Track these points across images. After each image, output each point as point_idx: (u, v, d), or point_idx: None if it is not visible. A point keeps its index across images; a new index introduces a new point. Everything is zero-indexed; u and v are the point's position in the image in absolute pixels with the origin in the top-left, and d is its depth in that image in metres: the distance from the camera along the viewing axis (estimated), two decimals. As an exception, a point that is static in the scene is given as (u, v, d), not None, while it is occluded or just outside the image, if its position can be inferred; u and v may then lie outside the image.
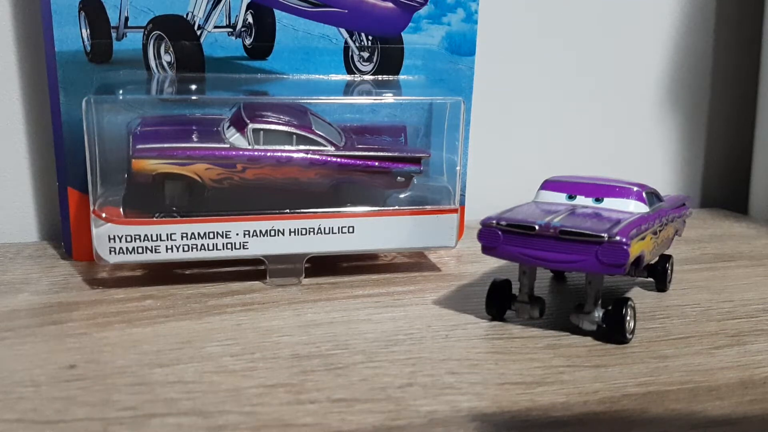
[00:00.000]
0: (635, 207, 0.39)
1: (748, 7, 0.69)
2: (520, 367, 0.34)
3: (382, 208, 0.45)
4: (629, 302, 0.36)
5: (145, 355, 0.34)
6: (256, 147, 0.44)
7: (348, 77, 0.49)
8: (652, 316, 0.40)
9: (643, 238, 0.36)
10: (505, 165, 0.63)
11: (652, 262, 0.44)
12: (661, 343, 0.36)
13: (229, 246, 0.42)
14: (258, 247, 0.43)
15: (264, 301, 0.41)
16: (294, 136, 0.44)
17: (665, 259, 0.45)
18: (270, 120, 0.44)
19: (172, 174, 0.43)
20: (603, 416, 0.30)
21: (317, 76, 0.49)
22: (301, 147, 0.44)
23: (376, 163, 0.46)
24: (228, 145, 0.43)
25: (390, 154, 0.46)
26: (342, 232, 0.44)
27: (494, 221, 0.37)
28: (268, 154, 0.44)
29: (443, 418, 0.29)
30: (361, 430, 0.28)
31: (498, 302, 0.39)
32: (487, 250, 0.37)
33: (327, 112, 0.47)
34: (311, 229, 0.44)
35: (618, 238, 0.35)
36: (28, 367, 0.32)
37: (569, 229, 0.35)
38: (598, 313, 0.37)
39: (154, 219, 0.42)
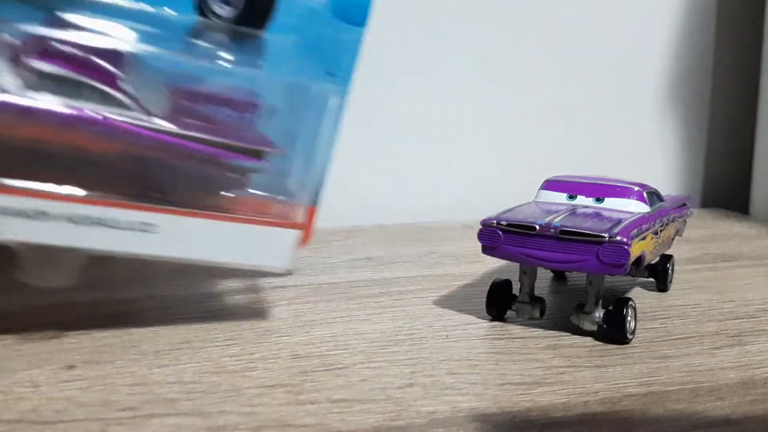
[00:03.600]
0: (636, 207, 0.39)
1: (748, 7, 0.69)
2: (520, 367, 0.33)
3: (197, 210, 0.34)
4: (630, 302, 0.36)
5: (145, 355, 0.34)
6: (29, 94, 0.32)
7: (200, 19, 0.36)
8: (652, 316, 0.40)
9: (643, 238, 0.36)
10: (504, 165, 0.63)
11: (653, 262, 0.44)
12: (662, 344, 0.36)
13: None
14: (13, 231, 0.32)
15: (263, 300, 0.41)
16: (88, 89, 0.33)
17: (666, 259, 0.45)
18: (58, 57, 0.33)
19: None
20: (604, 417, 0.30)
21: (152, 8, 0.35)
22: (97, 105, 0.33)
23: (201, 149, 0.34)
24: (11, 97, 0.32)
25: (221, 140, 0.35)
26: (140, 230, 0.33)
27: (495, 221, 0.37)
28: (43, 108, 0.32)
29: (443, 418, 0.29)
30: (361, 431, 0.28)
31: (498, 302, 0.39)
32: (487, 250, 0.37)
33: (159, 61, 0.36)
34: (96, 219, 0.33)
35: (619, 237, 0.34)
36: (27, 368, 0.32)
37: (570, 229, 0.35)
38: (599, 314, 0.36)
39: None
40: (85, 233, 0.33)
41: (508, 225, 0.36)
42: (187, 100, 0.36)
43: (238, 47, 0.37)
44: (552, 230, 0.36)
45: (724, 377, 0.33)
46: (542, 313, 0.38)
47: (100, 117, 0.33)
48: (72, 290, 0.42)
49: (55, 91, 0.32)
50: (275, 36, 0.37)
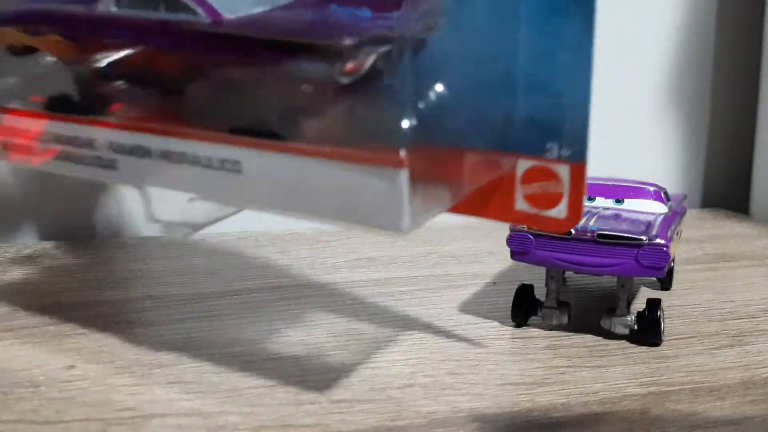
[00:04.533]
0: (656, 207, 0.39)
1: (748, 7, 0.69)
2: (520, 367, 0.33)
3: (279, 142, 0.26)
4: (661, 304, 0.36)
5: (145, 355, 0.34)
6: (113, 11, 0.30)
7: None
8: (652, 317, 0.40)
9: (672, 239, 0.36)
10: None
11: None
12: (662, 344, 0.36)
13: (98, 161, 0.30)
14: (131, 172, 0.30)
15: (263, 301, 0.41)
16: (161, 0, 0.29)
17: None
18: None
19: (29, 47, 0.32)
20: (604, 417, 0.30)
21: None
22: (172, 16, 0.29)
23: (262, 52, 0.27)
24: (85, 9, 0.30)
25: (284, 38, 0.27)
26: (225, 169, 0.27)
27: (525, 226, 0.36)
28: (119, 22, 0.30)
29: (443, 418, 0.29)
30: (361, 431, 0.28)
31: (525, 309, 0.38)
32: (517, 255, 0.36)
33: None
34: (184, 155, 0.28)
35: (658, 240, 0.34)
36: (27, 368, 0.32)
37: (608, 233, 0.35)
38: (631, 317, 0.36)
39: (20, 110, 0.31)
40: (178, 173, 0.28)
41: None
42: (312, 3, 0.28)
43: None
44: (589, 234, 0.35)
45: (724, 377, 0.33)
46: (569, 318, 0.37)
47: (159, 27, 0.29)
48: (72, 290, 0.42)
49: (134, 6, 0.30)
50: None
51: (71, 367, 0.32)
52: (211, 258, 0.48)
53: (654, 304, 0.36)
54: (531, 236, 0.36)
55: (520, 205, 0.29)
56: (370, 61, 0.25)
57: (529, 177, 0.28)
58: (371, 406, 0.30)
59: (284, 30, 0.27)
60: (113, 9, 0.30)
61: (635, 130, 0.67)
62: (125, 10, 0.30)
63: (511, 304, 0.38)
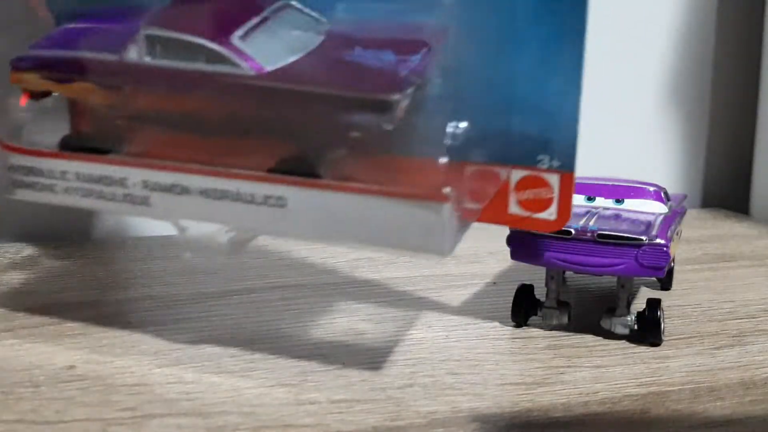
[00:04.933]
0: (656, 207, 0.39)
1: (748, 7, 0.69)
2: (520, 367, 0.33)
3: (324, 180, 0.30)
4: (661, 303, 0.36)
5: (145, 355, 0.34)
6: (147, 61, 0.31)
7: None
8: (652, 317, 0.40)
9: (672, 239, 0.36)
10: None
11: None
12: (662, 344, 0.36)
13: (128, 199, 0.32)
14: (164, 208, 0.32)
15: (263, 301, 0.41)
16: (203, 50, 0.30)
17: None
18: (173, 21, 0.31)
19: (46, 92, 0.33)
20: (604, 417, 0.30)
21: None
22: (211, 67, 0.30)
23: (313, 106, 0.30)
24: (116, 57, 0.31)
25: (328, 90, 0.30)
26: (268, 204, 0.30)
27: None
28: (155, 71, 0.31)
29: (443, 418, 0.29)
30: (361, 431, 0.28)
31: (524, 309, 0.38)
32: (517, 255, 0.36)
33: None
34: (225, 193, 0.31)
35: (658, 240, 0.34)
36: (27, 368, 0.32)
37: (607, 232, 0.35)
38: (631, 317, 0.36)
39: (45, 151, 0.32)
40: (218, 208, 0.31)
41: None
42: (337, 47, 0.31)
43: None
44: (589, 234, 0.35)
45: (724, 377, 0.33)
46: (569, 319, 0.37)
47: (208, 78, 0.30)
48: (72, 290, 0.42)
49: (167, 56, 0.31)
50: None
51: (71, 367, 0.32)
52: (211, 258, 0.48)
53: (654, 304, 0.36)
54: (531, 236, 0.36)
55: (514, 209, 0.32)
56: (404, 106, 0.29)
57: (523, 185, 0.32)
58: (371, 406, 0.30)
59: (327, 81, 0.30)
60: (147, 59, 0.31)
61: (635, 130, 0.67)
62: (160, 60, 0.31)
63: (511, 304, 0.38)
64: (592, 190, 0.40)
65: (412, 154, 0.30)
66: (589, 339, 0.37)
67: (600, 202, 0.39)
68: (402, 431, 0.28)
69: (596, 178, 0.41)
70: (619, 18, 0.65)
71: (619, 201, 0.39)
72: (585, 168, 0.60)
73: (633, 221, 0.37)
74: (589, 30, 0.66)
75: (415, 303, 0.41)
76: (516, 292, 0.38)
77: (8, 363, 0.32)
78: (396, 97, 0.29)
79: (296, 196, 0.30)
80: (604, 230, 0.35)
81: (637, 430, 0.29)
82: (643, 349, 0.36)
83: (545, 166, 0.32)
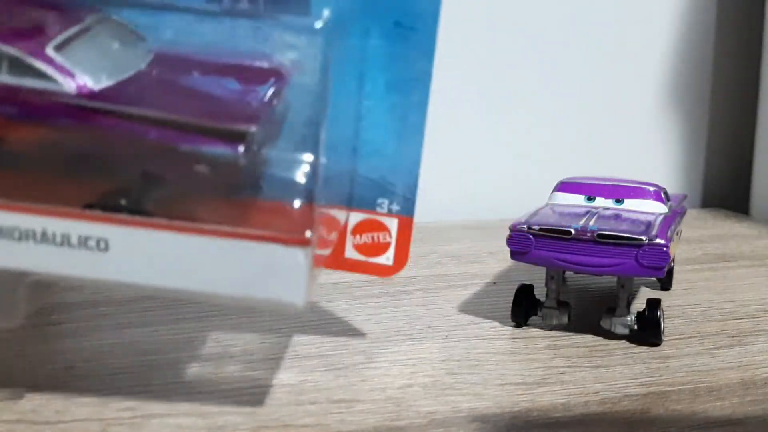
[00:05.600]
0: (656, 207, 0.39)
1: (748, 8, 0.69)
2: (520, 367, 0.33)
3: (156, 219, 0.25)
4: (661, 303, 0.36)
5: (145, 355, 0.34)
6: None
7: None
8: (652, 317, 0.40)
9: (672, 239, 0.36)
10: (504, 165, 0.63)
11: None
12: (662, 344, 0.36)
13: None
14: None
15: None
16: (5, 59, 0.25)
17: None
18: None
19: None
20: (604, 417, 0.30)
21: None
22: (17, 80, 0.25)
23: (152, 132, 0.25)
24: None
25: (176, 118, 0.25)
26: (86, 247, 0.25)
27: (525, 226, 0.36)
28: None
29: (443, 418, 0.29)
30: (361, 431, 0.28)
31: (525, 309, 0.38)
32: (517, 255, 0.36)
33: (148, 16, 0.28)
34: (29, 232, 0.25)
35: (658, 240, 0.34)
36: (27, 368, 0.32)
37: (607, 232, 0.35)
38: (631, 317, 0.36)
39: None
40: (15, 250, 0.25)
41: (541, 230, 0.36)
42: (171, 69, 0.28)
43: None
44: (589, 234, 0.35)
45: (724, 377, 0.33)
46: (569, 319, 0.37)
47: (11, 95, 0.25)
48: (72, 290, 0.42)
49: None
50: None
51: (71, 367, 0.32)
52: None
53: (654, 304, 0.36)
54: (531, 236, 0.36)
55: (350, 253, 0.32)
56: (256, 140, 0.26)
57: (360, 228, 0.32)
58: (371, 406, 0.30)
59: (169, 106, 0.26)
60: None
61: (635, 130, 0.67)
62: None
63: (511, 304, 0.38)
64: (592, 190, 0.40)
65: (260, 194, 0.27)
66: (589, 339, 0.37)
67: (600, 202, 0.39)
68: (402, 431, 0.28)
69: (596, 178, 0.41)
70: (619, 18, 0.65)
71: (619, 201, 0.39)
72: (585, 168, 0.60)
73: (633, 221, 0.37)
74: (590, 32, 0.65)
75: (415, 303, 0.41)
76: (516, 292, 0.38)
77: (8, 363, 0.32)
78: (253, 128, 0.26)
79: (122, 237, 0.25)
80: (604, 230, 0.35)
81: (637, 430, 0.29)
82: (643, 349, 0.36)
83: (384, 210, 0.31)
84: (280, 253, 0.25)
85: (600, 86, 0.65)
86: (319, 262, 0.29)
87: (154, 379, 0.31)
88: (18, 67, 0.25)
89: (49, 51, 0.25)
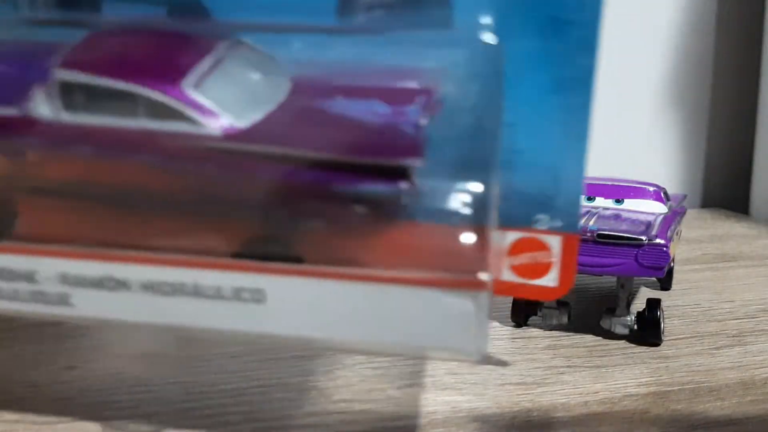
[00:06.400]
0: (656, 207, 0.39)
1: (748, 7, 0.69)
2: (520, 367, 0.33)
3: (314, 266, 0.23)
4: (660, 303, 0.36)
5: (145, 355, 0.34)
6: (64, 118, 0.23)
7: None
8: (652, 317, 0.40)
9: (672, 239, 0.36)
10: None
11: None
12: (662, 344, 0.36)
13: (39, 297, 0.24)
14: (92, 308, 0.24)
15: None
16: (144, 102, 0.23)
17: None
18: (96, 62, 0.23)
19: None
20: (604, 417, 0.29)
21: None
22: (158, 124, 0.23)
23: (307, 174, 0.23)
24: (15, 111, 0.24)
25: (329, 156, 0.23)
26: (239, 299, 0.23)
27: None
28: (74, 131, 0.23)
29: (443, 418, 0.29)
30: (361, 431, 0.28)
31: (524, 309, 0.38)
32: None
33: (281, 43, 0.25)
34: (180, 286, 0.23)
35: (658, 240, 0.34)
36: (27, 368, 0.32)
37: (607, 233, 0.35)
38: (631, 317, 0.36)
39: None
40: (169, 306, 0.24)
41: None
42: (313, 96, 0.24)
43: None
44: (588, 234, 0.35)
45: (724, 377, 0.33)
46: (569, 318, 0.37)
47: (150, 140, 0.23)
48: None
49: (92, 109, 0.23)
50: None
51: (71, 367, 0.32)
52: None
53: (654, 304, 0.36)
54: None
55: (508, 275, 0.28)
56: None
57: (517, 248, 0.27)
58: (371, 406, 0.30)
59: (321, 142, 0.23)
60: (64, 114, 0.23)
61: (635, 130, 0.67)
62: (84, 115, 0.23)
63: (511, 304, 0.38)
64: (592, 190, 0.40)
65: (421, 229, 0.23)
66: (589, 339, 0.37)
67: (600, 202, 0.39)
68: (402, 431, 0.28)
69: (596, 178, 0.41)
70: (620, 18, 0.65)
71: (618, 201, 0.39)
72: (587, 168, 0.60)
73: (633, 221, 0.37)
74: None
75: (415, 303, 0.41)
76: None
77: (8, 363, 0.32)
78: (417, 162, 0.23)
79: (279, 287, 0.23)
80: (604, 230, 0.35)
81: (637, 430, 0.29)
82: (643, 349, 0.36)
83: (544, 227, 0.27)
84: (449, 299, 0.22)
85: (599, 87, 0.65)
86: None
87: (155, 378, 0.31)
88: (155, 108, 0.23)
89: (188, 89, 0.23)
